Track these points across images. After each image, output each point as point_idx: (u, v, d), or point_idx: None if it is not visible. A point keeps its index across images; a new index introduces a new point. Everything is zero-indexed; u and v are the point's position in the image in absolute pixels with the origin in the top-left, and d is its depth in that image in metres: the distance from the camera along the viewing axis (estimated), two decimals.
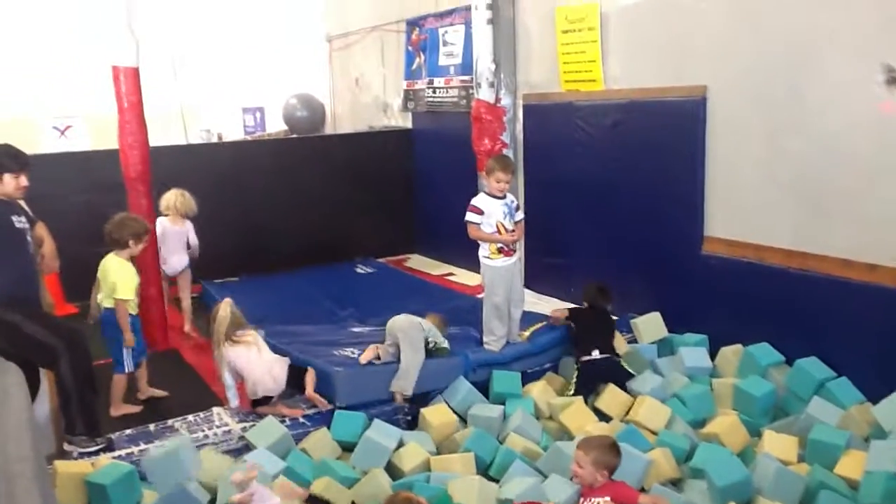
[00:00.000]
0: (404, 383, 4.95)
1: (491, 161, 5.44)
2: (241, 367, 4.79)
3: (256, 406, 4.81)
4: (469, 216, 5.32)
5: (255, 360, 4.79)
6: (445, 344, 5.30)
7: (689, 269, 5.76)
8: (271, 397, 4.81)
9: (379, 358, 5.13)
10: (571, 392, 5.12)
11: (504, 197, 5.38)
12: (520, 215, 5.53)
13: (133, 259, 5.02)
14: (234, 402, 4.83)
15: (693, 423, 4.82)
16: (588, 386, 5.13)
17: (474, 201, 5.36)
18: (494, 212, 5.30)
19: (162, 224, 6.31)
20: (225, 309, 4.85)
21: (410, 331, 5.10)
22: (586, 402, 5.02)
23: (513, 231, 5.35)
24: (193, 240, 6.47)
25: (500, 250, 5.34)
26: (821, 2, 4.77)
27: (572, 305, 5.93)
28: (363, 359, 5.10)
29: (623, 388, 5.09)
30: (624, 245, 6.29)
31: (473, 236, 5.37)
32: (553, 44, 6.81)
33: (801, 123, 4.96)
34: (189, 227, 6.45)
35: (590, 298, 5.65)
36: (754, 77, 5.20)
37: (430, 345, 5.20)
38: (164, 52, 9.41)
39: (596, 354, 5.19)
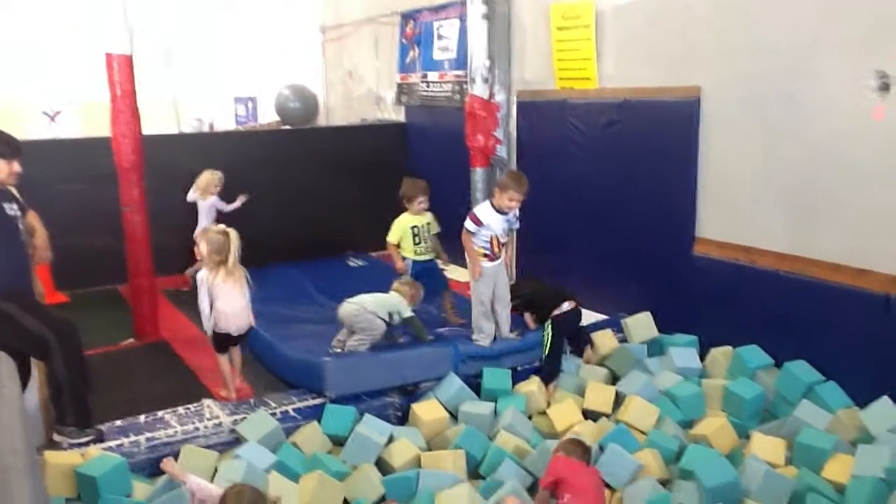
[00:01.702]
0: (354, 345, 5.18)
1: (507, 178, 5.29)
2: (222, 295, 4.85)
3: (216, 340, 4.99)
4: (468, 224, 5.28)
5: (238, 297, 4.91)
6: (410, 313, 5.34)
7: (680, 270, 5.78)
8: (230, 335, 4.96)
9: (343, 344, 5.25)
10: (547, 352, 5.30)
11: (508, 212, 5.35)
12: (516, 225, 5.52)
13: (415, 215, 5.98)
14: (210, 324, 4.92)
15: (682, 423, 4.85)
16: (562, 338, 5.39)
17: (477, 212, 5.30)
18: (494, 226, 5.28)
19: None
20: (234, 235, 4.92)
21: (351, 319, 5.18)
22: (564, 355, 5.40)
23: (502, 247, 5.39)
24: (223, 207, 7.33)
25: (485, 255, 5.33)
26: (815, 7, 4.80)
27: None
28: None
29: (582, 331, 5.57)
30: (616, 244, 6.31)
31: (464, 244, 5.35)
32: (548, 41, 6.81)
33: (793, 127, 4.98)
34: (212, 200, 7.32)
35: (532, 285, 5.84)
36: (749, 80, 5.22)
37: (395, 318, 5.27)
38: (158, 40, 9.34)
39: (566, 306, 5.43)
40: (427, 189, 6.04)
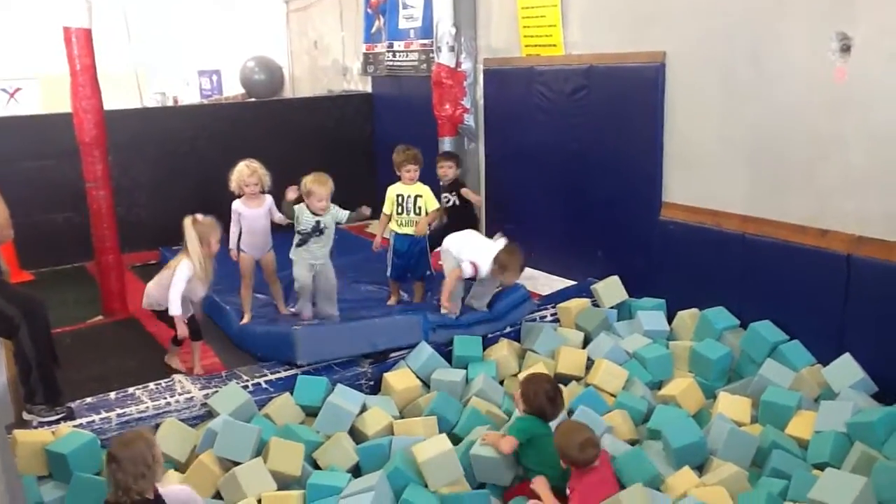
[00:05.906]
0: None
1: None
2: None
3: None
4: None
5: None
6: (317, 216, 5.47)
7: (648, 234, 5.83)
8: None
9: None
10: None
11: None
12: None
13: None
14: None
15: (651, 384, 4.92)
16: None
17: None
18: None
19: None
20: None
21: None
22: None
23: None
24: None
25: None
26: None
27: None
28: None
29: None
30: (584, 210, 6.34)
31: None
32: (513, 8, 6.78)
33: (758, 90, 5.01)
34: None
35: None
36: (713, 44, 5.23)
37: (305, 225, 5.44)
38: (117, 11, 9.16)
39: None
40: (416, 158, 5.79)
